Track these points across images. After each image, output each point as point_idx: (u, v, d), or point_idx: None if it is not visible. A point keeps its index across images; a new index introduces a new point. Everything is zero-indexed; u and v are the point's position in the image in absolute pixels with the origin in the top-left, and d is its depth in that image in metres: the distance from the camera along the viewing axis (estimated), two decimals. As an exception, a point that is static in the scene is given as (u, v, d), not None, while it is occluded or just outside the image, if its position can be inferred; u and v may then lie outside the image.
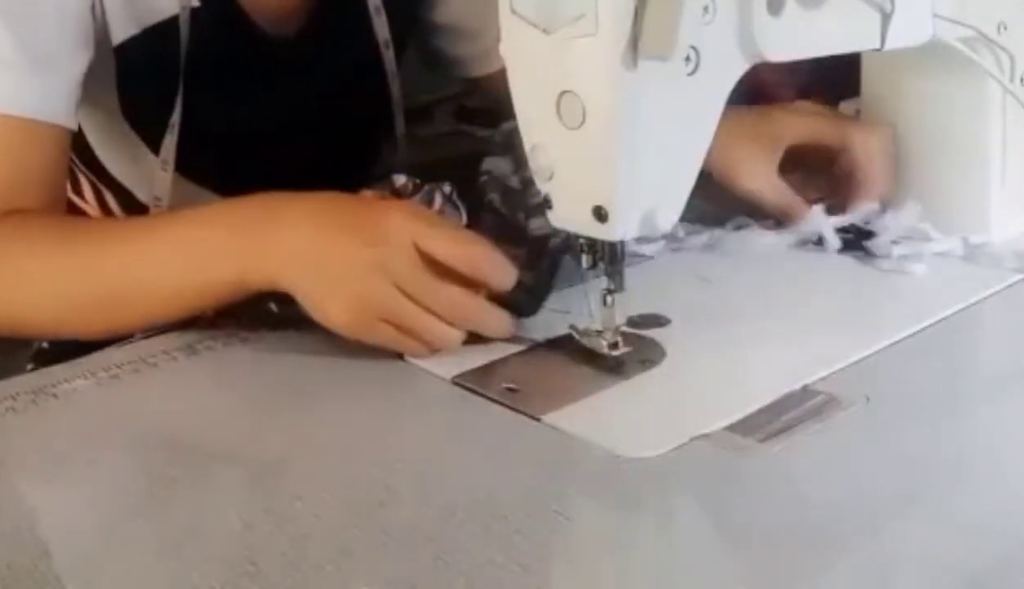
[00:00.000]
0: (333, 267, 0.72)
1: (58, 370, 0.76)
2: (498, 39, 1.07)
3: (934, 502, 0.55)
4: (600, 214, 0.65)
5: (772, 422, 0.63)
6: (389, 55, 1.03)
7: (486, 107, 1.28)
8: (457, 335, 0.72)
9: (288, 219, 0.75)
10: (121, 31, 0.90)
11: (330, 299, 0.72)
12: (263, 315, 0.83)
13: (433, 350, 0.72)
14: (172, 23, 0.90)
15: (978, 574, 0.49)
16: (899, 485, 0.57)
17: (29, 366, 0.99)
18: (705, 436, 0.61)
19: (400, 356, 0.74)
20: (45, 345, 1.03)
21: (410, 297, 0.70)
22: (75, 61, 0.86)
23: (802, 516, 0.54)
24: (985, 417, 0.65)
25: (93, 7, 0.88)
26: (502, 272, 0.73)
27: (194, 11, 0.91)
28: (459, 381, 0.70)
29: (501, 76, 1.09)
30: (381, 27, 1.02)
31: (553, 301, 0.76)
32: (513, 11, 0.64)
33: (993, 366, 0.75)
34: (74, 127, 0.88)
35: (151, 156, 0.94)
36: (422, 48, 1.12)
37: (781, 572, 0.50)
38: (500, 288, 0.73)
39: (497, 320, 0.73)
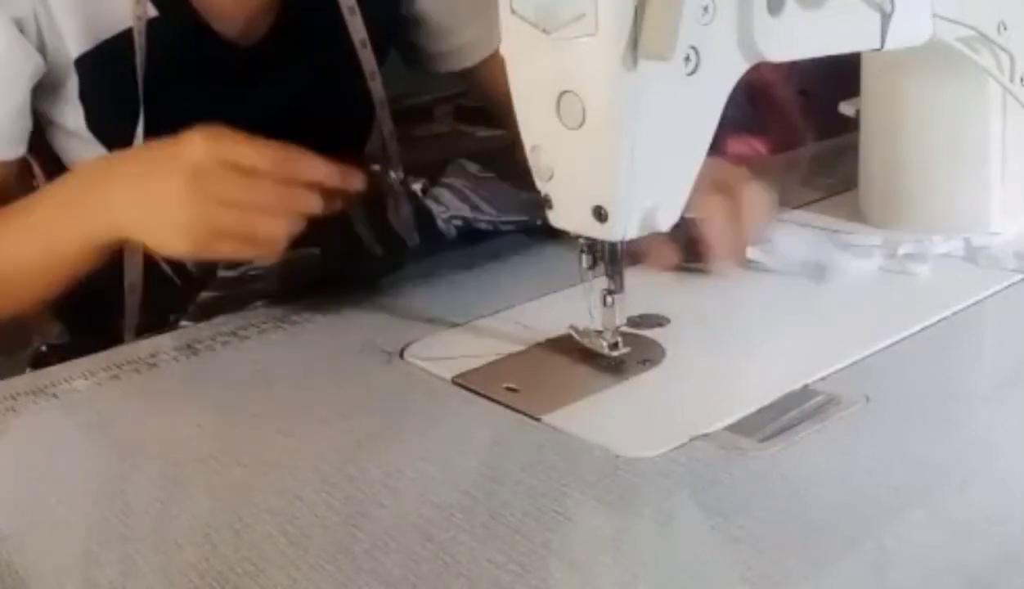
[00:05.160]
0: (158, 202, 0.76)
1: (58, 370, 0.76)
2: (473, 37, 1.08)
3: (934, 502, 0.55)
4: (600, 214, 0.65)
5: (772, 422, 0.62)
6: (367, 54, 1.02)
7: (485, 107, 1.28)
8: (283, 227, 0.76)
9: (116, 172, 0.81)
10: (77, 46, 0.90)
11: (167, 231, 0.77)
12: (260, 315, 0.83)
13: (271, 250, 0.77)
14: (127, 36, 0.90)
15: (978, 574, 0.49)
16: (899, 485, 0.57)
17: (28, 368, 0.99)
18: (705, 436, 0.61)
19: (400, 355, 0.74)
20: (44, 348, 1.03)
21: (233, 204, 0.75)
22: (4, 98, 0.88)
23: (802, 516, 0.54)
24: (985, 417, 0.65)
25: (39, 28, 0.88)
26: (310, 164, 0.78)
27: (152, 22, 0.91)
28: (459, 381, 0.70)
29: (479, 72, 1.10)
30: (356, 27, 1.01)
31: (553, 301, 0.75)
32: (513, 11, 0.64)
33: (993, 366, 0.75)
34: (9, 157, 0.90)
35: None
36: (399, 44, 1.11)
37: (781, 572, 0.50)
38: (309, 179, 0.77)
39: (309, 198, 0.77)
